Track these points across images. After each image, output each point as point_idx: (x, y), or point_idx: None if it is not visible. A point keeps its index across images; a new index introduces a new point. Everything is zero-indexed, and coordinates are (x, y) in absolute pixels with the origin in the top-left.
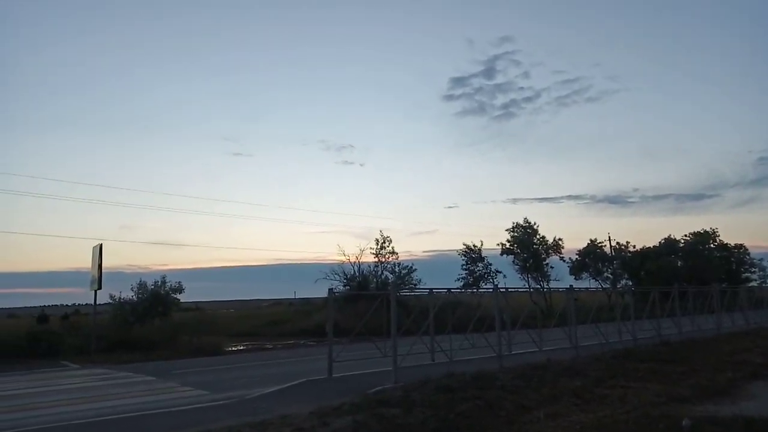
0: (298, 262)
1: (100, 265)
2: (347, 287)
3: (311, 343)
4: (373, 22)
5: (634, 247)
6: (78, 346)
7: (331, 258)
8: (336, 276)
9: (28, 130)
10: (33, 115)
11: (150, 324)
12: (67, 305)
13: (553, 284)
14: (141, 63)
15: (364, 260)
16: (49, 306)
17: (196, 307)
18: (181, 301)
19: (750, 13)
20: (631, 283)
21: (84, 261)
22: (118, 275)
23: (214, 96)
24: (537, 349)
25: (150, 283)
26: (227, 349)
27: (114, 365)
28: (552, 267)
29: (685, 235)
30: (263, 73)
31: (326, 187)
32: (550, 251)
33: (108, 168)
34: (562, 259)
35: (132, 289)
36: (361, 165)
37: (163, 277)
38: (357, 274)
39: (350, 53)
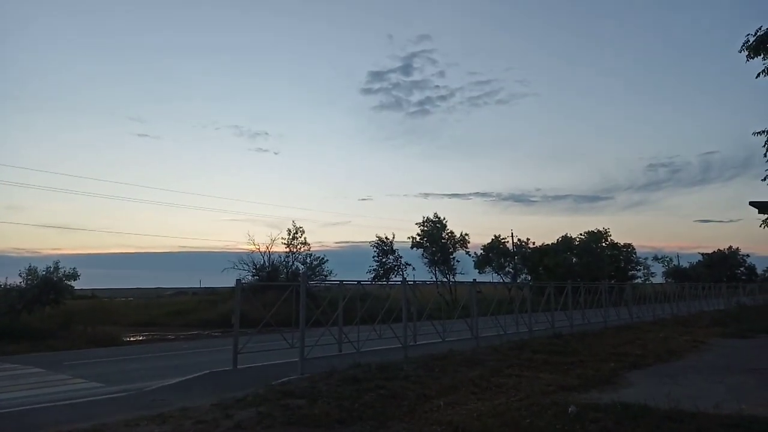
0: (205, 250)
1: None
2: (256, 277)
3: (216, 333)
4: (295, 12)
5: (534, 243)
6: None
7: (240, 247)
8: (245, 265)
9: None
10: None
11: (40, 312)
12: None
13: (458, 278)
14: (44, 37)
15: (274, 250)
16: None
17: (92, 294)
18: (75, 288)
19: (645, 27)
20: (530, 278)
21: None
22: (4, 259)
23: (120, 74)
24: (440, 340)
25: (41, 268)
26: (125, 340)
27: None
28: (458, 261)
29: (581, 234)
30: (175, 55)
31: (238, 174)
32: (457, 245)
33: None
34: (468, 253)
35: (20, 275)
36: (275, 153)
37: (56, 263)
38: (267, 264)
39: (270, 41)
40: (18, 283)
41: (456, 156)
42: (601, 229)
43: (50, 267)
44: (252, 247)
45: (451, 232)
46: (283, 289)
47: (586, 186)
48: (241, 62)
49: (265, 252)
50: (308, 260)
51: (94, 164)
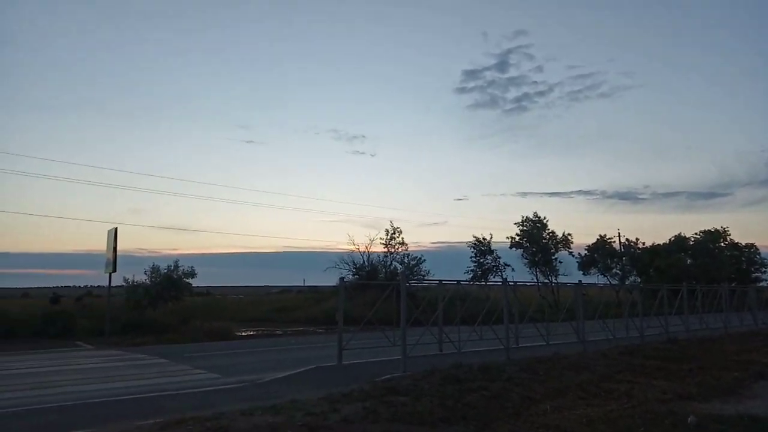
0: (308, 250)
1: (114, 248)
2: (356, 276)
3: (320, 330)
4: (388, 16)
5: (644, 243)
6: (91, 328)
7: (340, 247)
8: (345, 265)
9: (43, 113)
10: (51, 99)
11: (162, 307)
12: (78, 287)
13: (561, 279)
14: (159, 51)
15: (373, 250)
16: (61, 287)
17: (207, 292)
18: (192, 285)
19: (764, 11)
20: (639, 280)
21: (95, 243)
22: (129, 258)
23: (230, 85)
24: (544, 343)
25: (163, 267)
26: (237, 334)
27: (127, 347)
28: (561, 262)
29: (696, 233)
30: (278, 64)
31: (337, 177)
32: (559, 246)
33: (123, 152)
34: (571, 254)
35: (145, 273)
36: (372, 155)
37: (176, 262)
38: (366, 263)
39: (364, 44)
40: (143, 281)
41: (556, 153)
42: (719, 228)
43: (171, 266)
44: (352, 247)
45: (553, 232)
46: (383, 288)
47: (701, 181)
48: (338, 68)
49: (364, 252)
50: (406, 260)
51: (207, 170)
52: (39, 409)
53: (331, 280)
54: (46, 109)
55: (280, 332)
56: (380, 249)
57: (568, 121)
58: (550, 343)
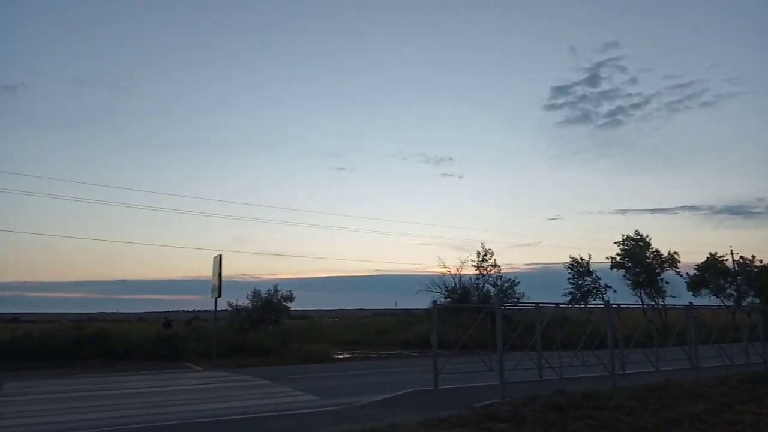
0: (398, 273)
1: (220, 275)
2: (448, 299)
3: (414, 353)
4: (473, 35)
5: (761, 261)
6: (199, 350)
7: (430, 270)
8: (437, 288)
9: (150, 150)
10: (154, 137)
11: (263, 330)
12: (187, 311)
13: (669, 301)
14: (254, 86)
15: (464, 272)
16: (171, 312)
17: (304, 315)
18: (291, 309)
19: None
20: (758, 301)
21: (202, 270)
22: (233, 283)
23: (319, 115)
24: (653, 369)
25: (263, 291)
26: (334, 357)
27: (233, 369)
28: (667, 282)
29: None
30: (365, 92)
31: (426, 200)
32: (664, 265)
33: (222, 183)
34: (678, 273)
35: (247, 297)
36: (460, 177)
37: (275, 286)
38: (458, 286)
39: (449, 67)
40: (246, 305)
41: (655, 167)
42: None
43: (270, 290)
44: (443, 270)
45: (657, 251)
46: (476, 311)
47: None
48: (424, 92)
49: (455, 274)
50: (499, 282)
51: (302, 197)
52: (157, 427)
53: (422, 303)
54: (152, 147)
55: (375, 355)
56: (472, 271)
57: (668, 133)
58: (660, 369)
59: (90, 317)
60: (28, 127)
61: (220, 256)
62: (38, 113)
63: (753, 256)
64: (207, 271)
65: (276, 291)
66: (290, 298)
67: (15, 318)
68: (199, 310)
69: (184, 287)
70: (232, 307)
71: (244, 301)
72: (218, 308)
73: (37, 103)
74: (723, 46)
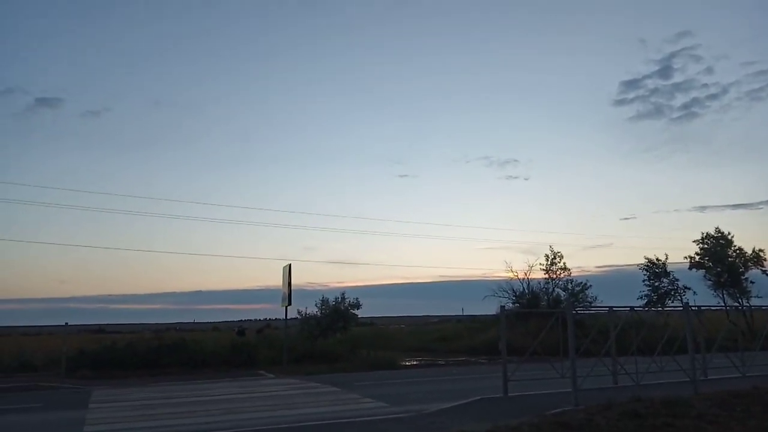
0: (464, 278)
1: (289, 284)
2: (516, 304)
3: (482, 360)
4: (535, 31)
5: None
6: (271, 357)
7: (497, 274)
8: (504, 293)
9: (220, 166)
10: (224, 153)
11: (332, 337)
12: (259, 320)
13: (754, 301)
14: (317, 98)
15: (532, 277)
16: (245, 320)
17: (371, 322)
18: (358, 316)
19: None
20: None
21: (272, 280)
22: (302, 292)
23: (380, 122)
24: (739, 375)
25: (331, 299)
26: (401, 364)
27: (303, 376)
28: (753, 282)
29: None
30: (426, 97)
31: (491, 203)
32: (749, 264)
33: (289, 194)
34: (764, 272)
35: (316, 305)
36: (526, 179)
37: (343, 294)
38: (526, 291)
39: (511, 64)
40: (315, 313)
41: (737, 160)
42: None
43: (338, 298)
44: (510, 274)
45: (740, 249)
46: (546, 316)
47: None
48: (485, 92)
49: (523, 279)
50: (569, 286)
51: (367, 205)
52: None
53: (489, 308)
54: (221, 163)
55: (443, 362)
56: (540, 275)
57: (749, 123)
58: (747, 375)
59: (168, 327)
60: (109, 147)
61: (290, 265)
62: (118, 135)
63: None
64: (277, 280)
65: (343, 298)
66: (357, 306)
67: (101, 329)
68: (270, 319)
69: (256, 297)
70: (301, 315)
71: (312, 309)
72: (288, 316)
73: (117, 126)
74: None
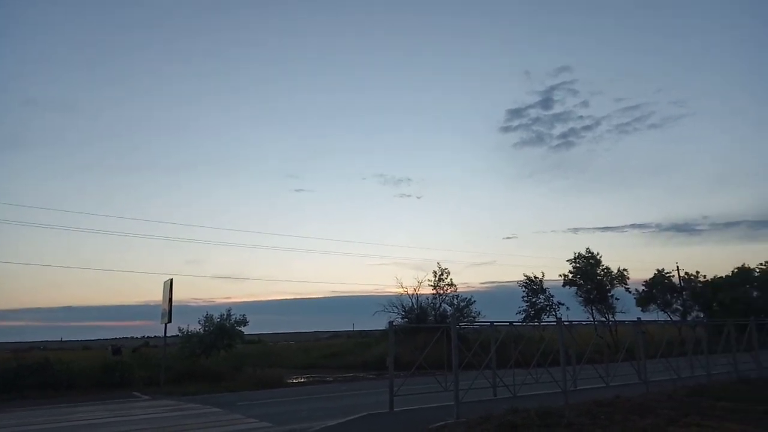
0: (356, 294)
1: (170, 299)
2: (405, 320)
3: (371, 375)
4: (430, 58)
5: (705, 277)
6: (147, 377)
7: (388, 290)
8: (394, 308)
9: (97, 173)
10: (104, 160)
11: (215, 355)
12: (136, 338)
13: (618, 317)
14: (210, 106)
15: (422, 292)
16: (120, 338)
17: (258, 339)
18: (244, 333)
19: None
20: (702, 316)
21: (152, 295)
22: (185, 308)
23: (278, 136)
24: (604, 385)
25: (216, 315)
26: (289, 381)
27: (182, 396)
28: (617, 299)
29: (761, 264)
30: (325, 113)
31: (384, 220)
32: (614, 282)
33: (175, 206)
34: (627, 290)
35: (199, 322)
36: (418, 197)
37: (228, 310)
38: (415, 306)
39: (406, 87)
40: (197, 330)
41: (607, 187)
42: None
43: (223, 314)
44: (400, 290)
45: (607, 268)
46: (433, 330)
47: (763, 209)
48: (382, 113)
49: (412, 294)
50: (455, 301)
51: (259, 219)
52: None
53: (380, 324)
54: (97, 169)
55: (331, 378)
56: (429, 291)
57: (618, 154)
58: (611, 384)
59: (32, 346)
60: None
61: (171, 280)
62: None
63: (697, 272)
64: (158, 295)
65: (229, 315)
66: (244, 322)
67: None
68: (149, 337)
69: (133, 313)
70: (182, 332)
71: (195, 326)
72: (168, 334)
73: None
74: (667, 71)
